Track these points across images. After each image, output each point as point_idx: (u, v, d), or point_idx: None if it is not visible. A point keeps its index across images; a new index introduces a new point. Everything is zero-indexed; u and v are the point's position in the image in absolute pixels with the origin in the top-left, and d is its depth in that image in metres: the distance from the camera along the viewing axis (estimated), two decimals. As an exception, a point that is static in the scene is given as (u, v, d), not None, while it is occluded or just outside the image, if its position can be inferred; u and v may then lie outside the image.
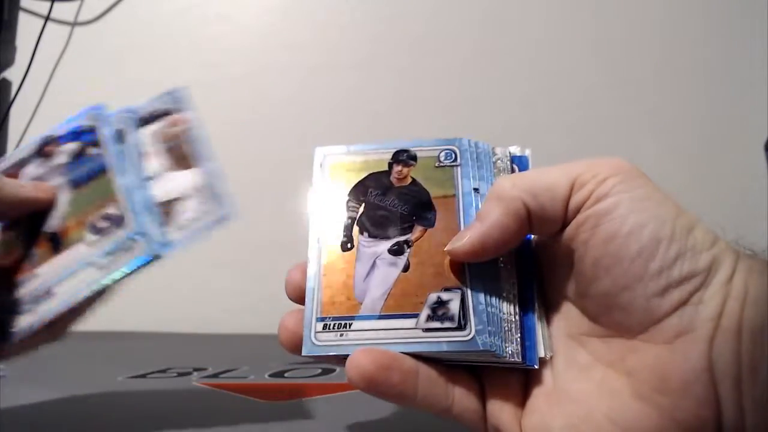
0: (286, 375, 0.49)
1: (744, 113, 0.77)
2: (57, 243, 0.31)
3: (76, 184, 0.33)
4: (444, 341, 0.26)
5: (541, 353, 0.26)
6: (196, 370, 0.52)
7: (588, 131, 0.79)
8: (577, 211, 0.25)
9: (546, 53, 0.81)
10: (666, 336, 0.23)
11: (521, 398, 0.26)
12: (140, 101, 0.35)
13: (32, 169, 0.34)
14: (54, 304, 0.30)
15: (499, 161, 0.30)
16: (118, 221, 0.31)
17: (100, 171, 0.32)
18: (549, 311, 0.28)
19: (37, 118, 0.76)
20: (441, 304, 0.27)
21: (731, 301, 0.22)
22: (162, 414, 0.39)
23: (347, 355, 0.26)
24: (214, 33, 0.82)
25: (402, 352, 0.26)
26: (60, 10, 0.78)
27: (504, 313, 0.26)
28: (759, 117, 0.74)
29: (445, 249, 0.27)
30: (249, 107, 0.80)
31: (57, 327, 0.33)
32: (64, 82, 0.78)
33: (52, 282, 0.31)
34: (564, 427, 0.24)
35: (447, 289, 0.27)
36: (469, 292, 0.27)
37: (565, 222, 0.25)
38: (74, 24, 0.80)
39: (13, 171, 0.34)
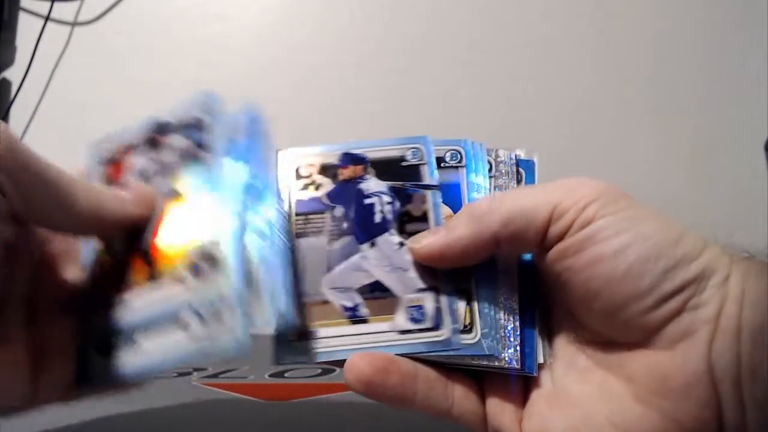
0: (286, 375, 0.49)
1: (744, 113, 0.77)
2: (152, 267, 0.26)
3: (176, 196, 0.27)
4: (420, 342, 0.26)
5: (540, 359, 0.26)
6: (196, 370, 0.52)
7: (588, 131, 0.79)
8: (559, 239, 0.25)
9: (546, 53, 0.81)
10: (665, 343, 0.23)
11: (522, 400, 0.26)
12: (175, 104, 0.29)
13: (141, 161, 0.28)
14: (139, 361, 0.25)
15: (502, 164, 0.30)
16: (218, 265, 0.25)
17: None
18: (549, 317, 0.28)
19: (37, 118, 0.76)
20: (415, 305, 0.27)
21: (729, 303, 0.22)
22: (162, 414, 0.39)
23: (324, 362, 0.26)
24: (214, 33, 0.82)
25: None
26: (60, 10, 0.78)
27: (501, 319, 0.26)
28: (759, 117, 0.74)
29: (407, 244, 0.27)
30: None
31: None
32: (64, 82, 0.78)
33: (142, 319, 0.25)
34: (565, 430, 0.24)
35: (420, 290, 0.27)
36: (442, 290, 0.27)
37: (543, 245, 0.25)
38: (74, 24, 0.80)
39: (119, 155, 0.29)
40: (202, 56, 0.81)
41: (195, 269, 0.25)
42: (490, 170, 0.30)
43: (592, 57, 0.80)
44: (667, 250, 0.23)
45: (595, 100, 0.79)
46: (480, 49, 0.81)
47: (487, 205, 0.26)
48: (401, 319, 0.26)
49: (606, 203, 0.24)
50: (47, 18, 0.73)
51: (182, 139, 0.28)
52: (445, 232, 0.26)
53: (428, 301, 0.27)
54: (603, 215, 0.24)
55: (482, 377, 0.27)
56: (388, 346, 0.26)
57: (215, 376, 0.50)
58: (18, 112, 0.73)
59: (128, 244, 0.27)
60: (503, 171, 0.30)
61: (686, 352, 0.22)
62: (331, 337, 0.26)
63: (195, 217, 0.26)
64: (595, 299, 0.24)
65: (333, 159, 0.31)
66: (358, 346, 0.26)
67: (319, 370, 0.50)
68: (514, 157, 0.30)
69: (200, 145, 0.27)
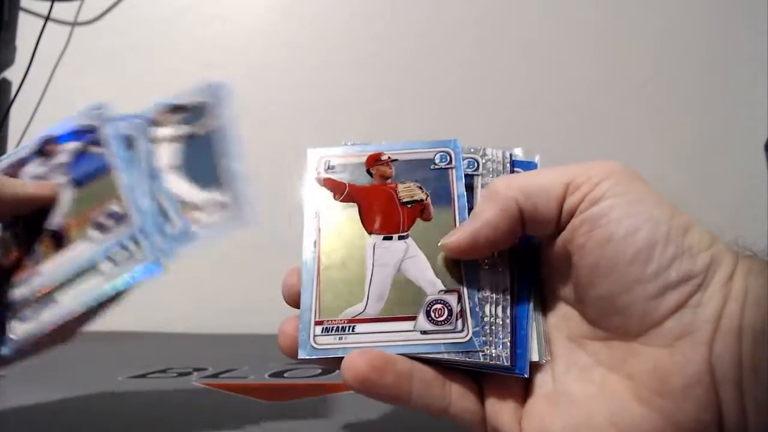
0: (286, 375, 0.49)
1: (744, 113, 0.77)
2: (60, 240, 0.31)
3: (79, 182, 0.32)
4: (442, 342, 0.26)
5: (535, 358, 0.26)
6: (196, 370, 0.52)
7: (588, 131, 0.79)
8: (572, 214, 0.25)
9: (546, 53, 0.81)
10: (666, 339, 0.23)
11: (521, 399, 0.26)
12: (174, 93, 0.35)
13: (32, 169, 0.33)
14: (56, 312, 0.30)
15: (488, 162, 0.30)
16: (121, 218, 0.30)
17: (104, 170, 0.32)
18: (549, 314, 0.28)
19: (37, 118, 0.76)
20: (438, 305, 0.27)
21: (731, 303, 0.22)
22: (162, 414, 0.39)
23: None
24: (214, 33, 0.82)
25: (401, 354, 0.26)
26: (60, 10, 0.78)
27: (488, 316, 0.26)
28: (759, 117, 0.74)
29: (439, 244, 0.27)
30: (248, 107, 0.80)
31: (65, 331, 0.32)
32: (64, 82, 0.78)
33: (55, 280, 0.30)
34: (564, 429, 0.24)
35: (444, 291, 0.27)
36: (465, 293, 0.27)
37: (560, 224, 0.25)
38: (74, 24, 0.80)
39: (12, 171, 0.33)
40: (202, 56, 0.81)
41: (100, 227, 0.30)
42: (477, 168, 0.30)
43: (593, 57, 0.80)
44: (677, 238, 0.23)
45: (595, 100, 0.79)
46: (480, 49, 0.81)
47: (504, 183, 0.26)
48: (423, 319, 0.27)
49: (618, 182, 0.24)
50: (47, 18, 0.73)
51: (74, 143, 0.33)
52: (471, 221, 0.26)
53: (452, 301, 0.27)
54: (614, 194, 0.24)
55: (481, 376, 0.27)
56: (409, 345, 0.26)
57: (215, 376, 0.50)
58: (18, 112, 0.73)
59: (33, 228, 0.32)
60: (490, 169, 0.30)
61: (686, 351, 0.22)
62: (355, 334, 0.27)
63: (90, 190, 0.32)
64: (601, 281, 0.24)
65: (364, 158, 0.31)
66: (380, 344, 0.26)
67: (319, 370, 0.50)
68: (509, 156, 0.30)
69: (93, 143, 0.33)
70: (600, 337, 0.25)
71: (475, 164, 0.30)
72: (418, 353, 0.26)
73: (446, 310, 0.27)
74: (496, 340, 0.26)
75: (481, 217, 0.26)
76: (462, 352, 0.26)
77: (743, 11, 0.78)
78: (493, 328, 0.26)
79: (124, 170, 0.31)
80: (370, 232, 0.29)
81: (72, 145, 0.33)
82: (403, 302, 0.27)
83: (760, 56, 0.76)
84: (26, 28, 0.75)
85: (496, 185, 0.26)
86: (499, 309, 0.27)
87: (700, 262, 0.23)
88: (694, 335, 0.22)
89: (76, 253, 0.30)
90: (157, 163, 0.32)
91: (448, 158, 0.30)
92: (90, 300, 0.29)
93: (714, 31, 0.79)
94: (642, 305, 0.23)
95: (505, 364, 0.26)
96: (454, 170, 0.30)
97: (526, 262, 0.28)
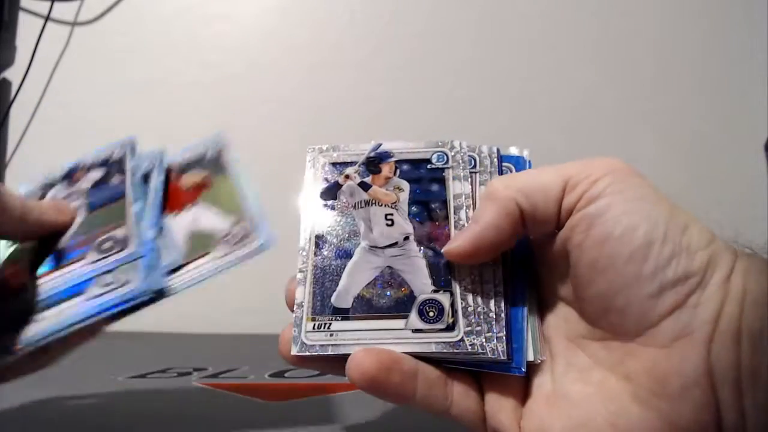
0: (286, 375, 0.49)
1: (744, 113, 0.77)
2: (62, 258, 0.31)
3: (93, 207, 0.33)
4: (432, 342, 0.26)
5: (531, 357, 0.26)
6: (196, 370, 0.52)
7: (587, 131, 0.79)
8: (570, 212, 0.25)
9: (546, 53, 0.81)
10: (663, 339, 0.23)
11: (520, 400, 0.26)
12: (178, 149, 0.36)
13: (55, 192, 0.35)
14: (41, 328, 0.29)
15: (457, 154, 0.30)
16: (121, 243, 0.31)
17: (118, 197, 0.33)
18: (548, 314, 0.28)
19: (37, 118, 0.76)
20: (430, 304, 0.27)
21: (729, 303, 0.22)
22: (162, 414, 0.39)
23: (336, 356, 0.26)
24: (214, 33, 0.82)
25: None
26: (60, 10, 0.78)
27: (478, 306, 0.26)
28: (759, 117, 0.74)
29: (442, 251, 0.27)
30: (249, 107, 0.80)
31: (50, 354, 0.32)
32: (64, 82, 0.78)
33: (49, 295, 0.30)
34: (563, 430, 0.24)
35: (436, 290, 0.27)
36: (458, 292, 0.27)
37: (559, 223, 0.25)
38: (74, 24, 0.80)
39: (41, 193, 0.35)
40: (202, 56, 0.81)
41: (99, 248, 0.31)
42: (446, 161, 0.30)
43: (593, 57, 0.80)
44: (674, 237, 0.23)
45: (595, 99, 0.79)
46: (480, 48, 0.81)
47: (502, 184, 0.26)
48: (415, 318, 0.27)
49: (616, 180, 0.24)
50: (47, 18, 0.73)
51: (100, 171, 0.35)
52: (474, 225, 0.26)
53: (444, 301, 0.27)
54: (613, 192, 0.24)
55: (482, 376, 0.27)
56: (400, 343, 0.26)
57: (215, 376, 0.50)
58: (18, 112, 0.73)
59: (44, 246, 0.32)
60: (460, 160, 0.29)
61: (684, 352, 0.22)
62: (345, 331, 0.27)
63: (100, 214, 0.33)
64: (599, 279, 0.24)
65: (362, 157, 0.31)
66: (371, 342, 0.26)
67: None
68: (495, 151, 0.30)
69: (118, 171, 0.34)
70: (598, 337, 0.25)
71: (445, 157, 0.30)
72: (409, 352, 0.26)
73: (439, 309, 0.27)
74: (490, 334, 0.26)
75: (482, 220, 0.26)
76: (451, 343, 0.26)
77: (743, 11, 0.78)
78: (485, 319, 0.26)
79: (135, 199, 0.32)
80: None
81: (96, 173, 0.35)
82: (397, 300, 0.27)
83: (760, 56, 0.76)
84: (26, 28, 0.74)
85: (495, 186, 0.26)
86: (493, 304, 0.27)
87: (698, 260, 0.23)
88: (692, 336, 0.22)
89: (72, 270, 0.31)
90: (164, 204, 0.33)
91: (446, 158, 0.30)
92: (69, 320, 0.29)
93: (714, 31, 0.79)
94: (639, 305, 0.23)
95: (502, 357, 0.26)
96: (451, 170, 0.30)
97: (520, 258, 0.28)
